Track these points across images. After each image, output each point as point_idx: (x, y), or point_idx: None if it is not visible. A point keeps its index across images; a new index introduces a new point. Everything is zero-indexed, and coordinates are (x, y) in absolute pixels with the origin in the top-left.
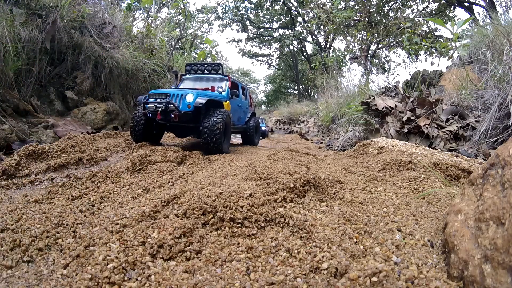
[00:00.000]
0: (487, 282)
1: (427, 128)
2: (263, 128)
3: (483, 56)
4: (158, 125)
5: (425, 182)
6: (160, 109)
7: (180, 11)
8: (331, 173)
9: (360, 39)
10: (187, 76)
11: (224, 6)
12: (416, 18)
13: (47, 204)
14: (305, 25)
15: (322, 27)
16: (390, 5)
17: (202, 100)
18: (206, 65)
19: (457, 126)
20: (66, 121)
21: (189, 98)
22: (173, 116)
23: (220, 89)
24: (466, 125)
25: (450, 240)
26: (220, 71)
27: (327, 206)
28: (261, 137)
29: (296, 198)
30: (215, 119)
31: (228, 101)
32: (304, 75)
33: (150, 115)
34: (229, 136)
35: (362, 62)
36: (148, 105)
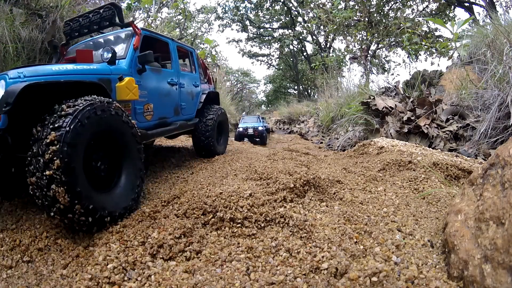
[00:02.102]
0: (487, 282)
1: (427, 128)
2: (260, 128)
3: (483, 56)
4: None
5: (425, 182)
6: None
7: (180, 11)
8: (331, 173)
9: (360, 39)
10: (74, 45)
11: (224, 6)
12: (416, 18)
13: None
14: (305, 25)
15: (322, 27)
16: (390, 5)
17: (10, 98)
18: (91, 15)
19: (457, 126)
20: None
21: None
22: None
23: (107, 55)
24: (466, 125)
25: (450, 240)
26: (114, 20)
27: (327, 206)
28: (257, 139)
29: (296, 198)
30: (47, 136)
31: (129, 78)
32: (304, 75)
33: None
34: (132, 157)
35: (362, 62)
36: None
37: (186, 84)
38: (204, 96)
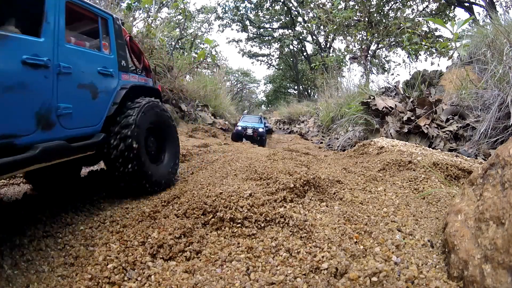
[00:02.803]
0: (487, 282)
1: (427, 128)
2: (261, 130)
3: (483, 56)
4: None
5: (425, 182)
6: None
7: (180, 11)
8: (331, 173)
9: (360, 39)
10: None
11: (224, 6)
12: (416, 18)
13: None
14: (305, 25)
15: (322, 27)
16: (390, 5)
17: None
18: None
19: (457, 126)
20: None
21: None
22: None
23: None
24: (466, 125)
25: (450, 240)
26: None
27: (327, 206)
28: (256, 141)
29: (296, 198)
30: None
31: None
32: (304, 75)
33: None
34: None
35: (362, 62)
36: None
37: (77, 69)
38: (124, 93)
